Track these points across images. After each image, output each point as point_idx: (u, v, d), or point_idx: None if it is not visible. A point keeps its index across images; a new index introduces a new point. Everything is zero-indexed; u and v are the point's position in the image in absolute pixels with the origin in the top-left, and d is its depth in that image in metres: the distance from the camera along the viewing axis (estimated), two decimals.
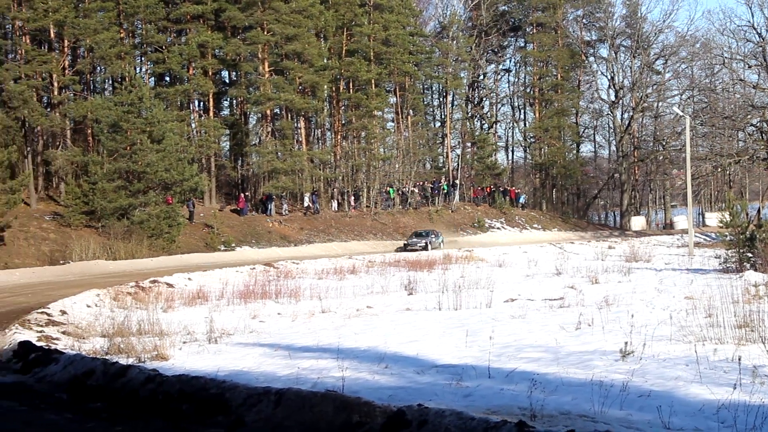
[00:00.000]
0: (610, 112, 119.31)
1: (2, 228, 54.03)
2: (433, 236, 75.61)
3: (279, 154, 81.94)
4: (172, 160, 62.10)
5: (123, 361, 18.51)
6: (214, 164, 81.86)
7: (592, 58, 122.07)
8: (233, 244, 67.66)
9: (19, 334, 23.93)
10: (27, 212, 61.92)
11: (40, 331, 25.05)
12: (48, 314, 28.07)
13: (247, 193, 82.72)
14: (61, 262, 54.03)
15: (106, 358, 19.09)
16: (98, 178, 60.61)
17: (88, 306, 30.68)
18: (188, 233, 66.18)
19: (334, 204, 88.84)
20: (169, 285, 37.31)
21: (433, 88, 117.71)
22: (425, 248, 68.96)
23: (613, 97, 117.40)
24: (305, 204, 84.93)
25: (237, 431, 12.80)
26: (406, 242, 73.78)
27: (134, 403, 15.23)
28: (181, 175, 62.16)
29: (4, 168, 54.90)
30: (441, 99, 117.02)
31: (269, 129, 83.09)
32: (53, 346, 21.94)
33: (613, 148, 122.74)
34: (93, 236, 58.17)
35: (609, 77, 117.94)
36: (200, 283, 38.25)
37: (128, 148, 62.13)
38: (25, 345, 21.61)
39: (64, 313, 28.68)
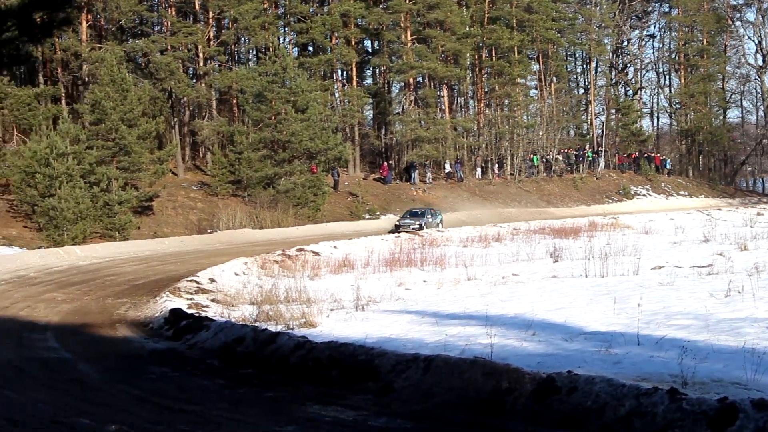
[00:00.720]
0: (757, 77, 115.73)
1: (151, 198, 55.27)
2: (429, 216, 61.38)
3: (422, 122, 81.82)
4: (317, 129, 62.65)
5: (272, 328, 18.79)
6: (357, 133, 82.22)
7: (738, 23, 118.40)
8: (377, 213, 68.05)
9: (169, 302, 24.50)
10: (175, 182, 63.20)
11: (190, 299, 25.59)
12: (197, 282, 28.66)
13: (390, 162, 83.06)
14: (209, 230, 55.03)
15: (256, 325, 19.39)
16: (244, 148, 61.47)
17: (236, 274, 31.21)
18: (333, 202, 66.76)
19: (478, 172, 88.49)
20: (315, 253, 37.69)
21: (577, 55, 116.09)
22: (420, 229, 56.15)
23: (760, 62, 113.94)
24: (447, 171, 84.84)
25: (386, 397, 12.87)
26: (397, 222, 59.45)
27: (284, 369, 15.43)
28: (326, 144, 62.68)
29: (152, 139, 56.12)
30: (584, 66, 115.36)
31: (412, 97, 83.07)
32: (203, 314, 22.39)
33: (761, 113, 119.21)
34: (239, 205, 59.11)
35: (756, 42, 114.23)
36: (346, 251, 38.55)
37: (273, 117, 62.89)
38: (176, 312, 22.12)
39: (212, 281, 29.25)
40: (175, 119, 69.71)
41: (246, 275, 30.99)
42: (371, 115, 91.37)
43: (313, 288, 25.24)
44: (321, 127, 63.90)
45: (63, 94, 61.93)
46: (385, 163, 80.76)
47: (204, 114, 72.52)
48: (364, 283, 25.63)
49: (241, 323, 19.53)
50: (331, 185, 67.61)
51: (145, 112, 55.82)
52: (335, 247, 40.31)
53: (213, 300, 25.72)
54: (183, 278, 29.45)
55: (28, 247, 46.02)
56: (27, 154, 48.15)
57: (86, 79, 61.08)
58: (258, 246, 43.78)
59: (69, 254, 41.94)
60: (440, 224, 61.27)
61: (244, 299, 25.17)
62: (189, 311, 22.46)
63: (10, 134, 58.08)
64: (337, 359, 14.56)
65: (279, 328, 19.14)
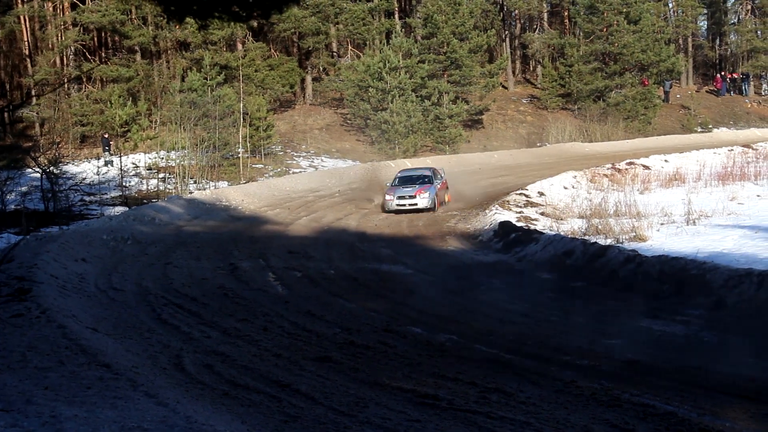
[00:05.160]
0: None
1: (481, 111, 55.89)
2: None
3: (759, 32, 78.46)
4: (649, 41, 61.28)
5: (601, 241, 18.76)
6: (690, 44, 79.87)
7: None
8: (710, 126, 66.15)
9: (498, 215, 24.89)
10: (505, 95, 63.59)
11: (519, 212, 25.89)
12: (526, 195, 28.92)
13: (723, 73, 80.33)
14: (538, 144, 55.16)
15: (585, 238, 19.41)
16: (574, 61, 60.97)
17: (565, 187, 31.21)
18: (664, 115, 65.33)
19: None
20: (645, 167, 37.09)
21: None
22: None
23: None
24: None
25: (718, 312, 12.66)
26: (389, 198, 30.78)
27: (613, 282, 15.43)
28: (658, 56, 61.25)
29: (482, 52, 56.59)
30: None
31: (749, 7, 79.68)
32: (532, 227, 22.61)
33: None
34: (569, 118, 58.83)
35: None
36: (676, 164, 37.67)
37: (605, 29, 61.95)
38: (506, 225, 22.47)
39: (541, 194, 29.41)
40: (506, 32, 69.89)
41: (575, 189, 30.94)
42: (705, 26, 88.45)
43: (642, 202, 24.87)
44: (653, 38, 62.38)
45: (396, 9, 63.17)
46: (719, 75, 78.18)
47: (535, 27, 72.31)
48: (695, 197, 25.00)
49: (570, 236, 19.62)
50: (661, 98, 66.12)
51: (476, 25, 56.27)
52: (666, 160, 39.47)
53: (542, 213, 25.90)
54: (512, 191, 29.76)
55: (361, 159, 47.69)
56: (360, 68, 49.68)
57: None
58: (587, 159, 43.51)
59: (400, 167, 43.01)
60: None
61: (573, 213, 25.20)
62: (518, 224, 22.75)
63: (345, 49, 59.91)
64: (667, 273, 14.44)
65: (608, 241, 19.08)
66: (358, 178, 39.20)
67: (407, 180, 31.42)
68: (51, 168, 34.82)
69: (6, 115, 40.08)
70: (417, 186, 30.36)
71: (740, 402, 8.77)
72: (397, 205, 29.27)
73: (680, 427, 8.07)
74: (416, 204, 29.22)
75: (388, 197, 29.92)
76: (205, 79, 45.37)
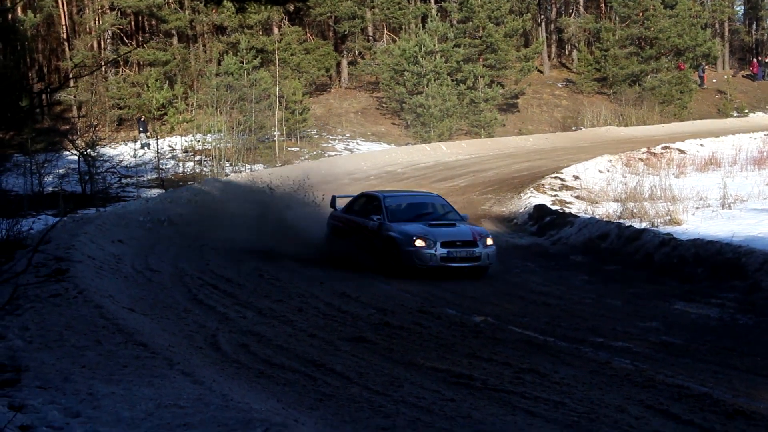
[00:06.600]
0: None
1: (516, 95, 55.71)
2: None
3: None
4: (685, 26, 60.83)
5: (636, 225, 18.73)
6: (727, 29, 79.20)
7: None
8: (746, 110, 65.61)
9: (534, 198, 24.89)
10: (540, 79, 63.30)
11: (554, 195, 25.87)
12: (561, 179, 28.84)
13: (760, 58, 79.63)
14: (573, 128, 54.92)
15: (620, 221, 19.38)
16: (610, 45, 60.63)
17: (600, 171, 31.11)
18: (699, 99, 64.86)
19: None
20: (681, 151, 36.91)
21: None
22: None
23: None
24: None
25: (753, 295, 12.63)
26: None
27: (648, 266, 15.42)
28: (694, 41, 60.79)
29: (518, 36, 56.41)
30: None
31: None
32: (567, 210, 22.61)
33: None
34: (604, 102, 58.59)
35: None
36: (712, 149, 37.42)
37: (641, 14, 61.54)
38: (541, 208, 22.49)
39: (576, 178, 29.33)
40: (542, 16, 69.53)
41: (610, 172, 30.83)
42: (742, 11, 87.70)
43: (678, 186, 24.78)
44: (689, 23, 61.91)
45: None
46: (755, 60, 77.49)
47: (571, 11, 71.90)
48: (730, 182, 24.86)
49: (605, 220, 19.60)
50: (697, 82, 65.64)
51: (512, 9, 56.07)
52: (701, 144, 39.23)
53: (577, 197, 25.88)
54: (547, 175, 29.70)
55: (396, 143, 47.69)
56: (396, 53, 49.62)
57: None
58: (622, 143, 43.31)
59: (435, 150, 43.05)
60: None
61: (608, 196, 25.14)
62: (553, 207, 22.74)
63: (381, 33, 59.84)
64: (702, 257, 14.42)
65: (643, 225, 19.05)
66: (393, 161, 39.23)
67: (417, 212, 18.51)
68: (88, 150, 35.02)
69: (44, 98, 40.25)
70: (459, 224, 17.68)
71: None
72: (443, 258, 16.64)
73: (715, 408, 8.09)
74: (478, 257, 16.55)
75: (419, 243, 16.76)
76: (242, 62, 45.42)
